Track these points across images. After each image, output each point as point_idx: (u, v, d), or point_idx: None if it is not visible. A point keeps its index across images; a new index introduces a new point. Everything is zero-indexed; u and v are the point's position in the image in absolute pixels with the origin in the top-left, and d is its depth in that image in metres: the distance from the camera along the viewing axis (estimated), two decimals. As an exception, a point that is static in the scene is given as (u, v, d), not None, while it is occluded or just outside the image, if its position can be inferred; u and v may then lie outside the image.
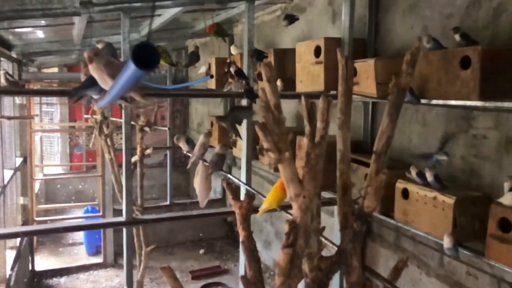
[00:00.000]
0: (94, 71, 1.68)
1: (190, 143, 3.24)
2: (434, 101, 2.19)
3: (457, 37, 2.15)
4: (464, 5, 2.41)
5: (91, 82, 1.90)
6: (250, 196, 1.51)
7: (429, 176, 2.24)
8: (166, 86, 5.63)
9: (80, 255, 6.46)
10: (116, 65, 1.70)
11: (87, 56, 1.59)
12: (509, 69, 2.00)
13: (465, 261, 2.43)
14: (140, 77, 0.99)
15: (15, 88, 3.49)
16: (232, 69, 3.14)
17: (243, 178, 3.17)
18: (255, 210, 1.79)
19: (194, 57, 4.43)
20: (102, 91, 1.92)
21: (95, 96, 2.09)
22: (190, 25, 5.27)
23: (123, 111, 3.03)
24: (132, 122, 3.37)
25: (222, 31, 3.94)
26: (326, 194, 3.04)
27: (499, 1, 2.22)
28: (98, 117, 4.90)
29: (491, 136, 2.30)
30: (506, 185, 1.96)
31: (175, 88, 3.91)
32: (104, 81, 1.69)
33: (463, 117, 2.46)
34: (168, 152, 6.99)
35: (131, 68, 0.89)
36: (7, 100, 5.31)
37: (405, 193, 2.38)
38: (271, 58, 3.58)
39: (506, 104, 1.85)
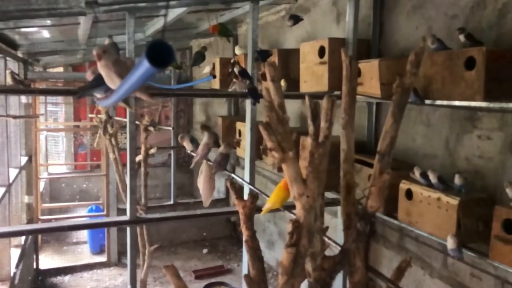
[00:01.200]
0: (102, 68, 1.69)
1: (194, 142, 3.25)
2: (439, 102, 2.19)
3: (461, 37, 2.15)
4: (469, 5, 2.40)
5: (98, 82, 1.91)
6: (253, 195, 1.51)
7: (433, 178, 2.24)
8: (171, 86, 5.65)
9: (84, 254, 6.50)
10: (124, 64, 1.71)
11: (96, 53, 1.60)
12: (514, 70, 1.99)
13: (469, 262, 2.43)
14: (153, 74, 1.00)
15: (21, 87, 3.51)
16: (236, 70, 3.15)
17: (247, 177, 3.17)
18: (259, 209, 1.79)
19: (199, 57, 4.44)
20: (108, 91, 1.93)
21: (98, 96, 2.10)
22: (195, 25, 5.28)
23: (127, 111, 3.04)
24: (137, 122, 3.39)
25: (226, 31, 3.95)
26: (329, 195, 3.04)
27: (504, 2, 2.22)
28: (103, 116, 4.92)
29: (496, 137, 2.29)
30: (509, 190, 1.95)
31: (179, 88, 3.92)
32: (111, 80, 1.70)
33: (468, 118, 2.45)
34: (172, 152, 7.00)
35: (144, 65, 0.89)
36: (13, 99, 5.34)
37: (409, 194, 2.38)
38: (275, 58, 3.58)
39: (511, 105, 1.84)
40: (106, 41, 3.26)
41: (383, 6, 3.06)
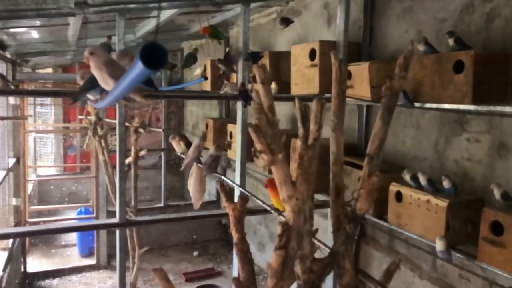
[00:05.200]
0: (94, 70, 1.68)
1: (185, 139, 3.25)
2: (428, 105, 2.20)
3: (451, 41, 2.17)
4: (458, 9, 2.43)
5: (91, 84, 1.90)
6: (243, 198, 1.50)
7: (422, 180, 2.25)
8: (161, 88, 5.62)
9: (73, 257, 6.42)
10: (117, 65, 1.70)
11: (84, 56, 1.60)
12: (502, 73, 2.01)
13: (458, 264, 2.44)
14: (146, 76, 1.00)
15: (12, 87, 3.47)
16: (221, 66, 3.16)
17: (238, 180, 3.17)
18: (249, 212, 1.79)
19: (191, 59, 4.43)
20: (103, 92, 1.92)
21: (92, 98, 2.09)
22: (186, 27, 5.27)
23: (117, 113, 3.02)
24: (127, 124, 3.36)
25: (217, 33, 3.94)
26: (320, 197, 3.04)
27: (492, 6, 2.24)
28: (93, 118, 4.89)
29: (484, 140, 2.31)
30: (496, 192, 1.97)
31: (170, 89, 3.91)
32: (104, 81, 1.69)
33: (456, 121, 2.47)
34: (162, 154, 6.97)
35: (138, 67, 0.90)
36: (1, 100, 5.28)
37: (399, 196, 2.39)
38: (266, 61, 3.59)
39: (499, 108, 1.86)
40: (105, 39, 3.25)
41: (373, 10, 3.08)
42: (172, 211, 6.27)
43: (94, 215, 6.07)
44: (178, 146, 3.31)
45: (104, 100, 1.91)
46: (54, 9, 2.77)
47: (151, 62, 0.85)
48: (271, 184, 2.05)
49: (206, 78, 4.52)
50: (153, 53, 0.86)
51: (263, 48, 4.55)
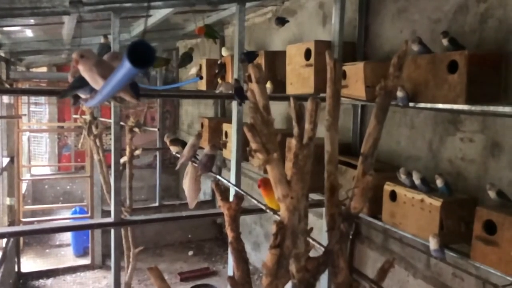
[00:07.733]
0: (84, 72, 1.68)
1: (179, 142, 3.24)
2: (422, 105, 2.22)
3: (445, 41, 2.18)
4: (452, 10, 2.44)
5: (81, 83, 1.90)
6: (239, 197, 1.51)
7: (416, 179, 2.26)
8: (157, 87, 5.62)
9: (67, 257, 6.40)
10: (107, 65, 1.70)
11: (73, 59, 1.59)
12: (495, 73, 2.03)
13: (451, 263, 2.46)
14: (135, 75, 1.00)
15: (2, 87, 3.45)
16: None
17: (233, 179, 3.17)
18: (244, 211, 1.79)
19: (186, 58, 4.42)
20: (93, 91, 1.92)
21: (83, 96, 2.08)
22: (181, 26, 5.26)
23: (112, 112, 3.01)
24: (122, 123, 3.36)
25: (212, 32, 3.95)
26: (315, 196, 3.05)
27: (486, 7, 2.26)
28: (87, 117, 4.87)
29: (478, 140, 2.33)
30: (491, 193, 1.98)
31: (166, 89, 3.91)
32: (95, 81, 1.69)
33: (450, 120, 2.49)
34: (157, 153, 6.96)
35: (125, 66, 0.89)
36: (-5, 99, 5.25)
37: (393, 196, 2.40)
38: (261, 60, 3.59)
39: (492, 108, 1.88)
40: (102, 40, 3.23)
41: (368, 10, 3.09)
42: (167, 211, 6.26)
43: (88, 215, 6.05)
44: (173, 146, 3.30)
45: (94, 99, 1.91)
46: (48, 8, 2.75)
47: (139, 61, 0.85)
48: (263, 183, 2.05)
49: (201, 78, 4.52)
50: (141, 52, 0.86)
51: (258, 48, 4.56)
